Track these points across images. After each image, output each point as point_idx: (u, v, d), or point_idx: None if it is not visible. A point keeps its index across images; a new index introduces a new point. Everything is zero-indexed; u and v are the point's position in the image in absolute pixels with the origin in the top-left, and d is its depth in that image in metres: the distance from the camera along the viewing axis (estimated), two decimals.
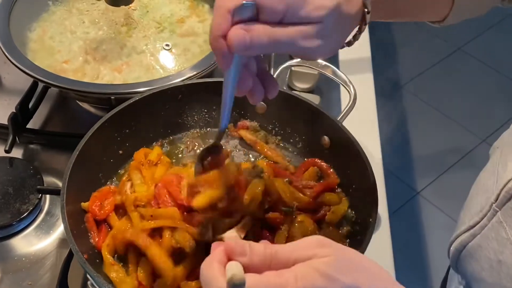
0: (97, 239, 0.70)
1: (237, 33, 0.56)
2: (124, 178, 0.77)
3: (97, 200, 0.73)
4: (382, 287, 0.52)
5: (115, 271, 0.66)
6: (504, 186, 0.72)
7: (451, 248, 0.85)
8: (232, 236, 0.64)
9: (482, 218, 0.77)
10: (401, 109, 2.61)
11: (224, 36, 0.57)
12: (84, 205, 0.73)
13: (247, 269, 0.49)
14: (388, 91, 2.66)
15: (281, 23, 0.58)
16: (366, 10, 0.65)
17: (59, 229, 0.84)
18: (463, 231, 0.82)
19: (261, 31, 0.57)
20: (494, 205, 0.74)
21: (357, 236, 0.75)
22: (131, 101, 0.81)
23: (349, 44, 0.69)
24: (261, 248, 0.50)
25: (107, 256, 0.68)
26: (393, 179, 2.36)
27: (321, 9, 0.59)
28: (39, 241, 0.83)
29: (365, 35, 1.15)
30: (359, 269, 0.52)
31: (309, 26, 0.59)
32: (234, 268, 0.48)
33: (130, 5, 1.01)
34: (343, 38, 0.65)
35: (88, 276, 0.66)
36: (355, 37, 0.69)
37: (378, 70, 2.61)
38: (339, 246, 0.53)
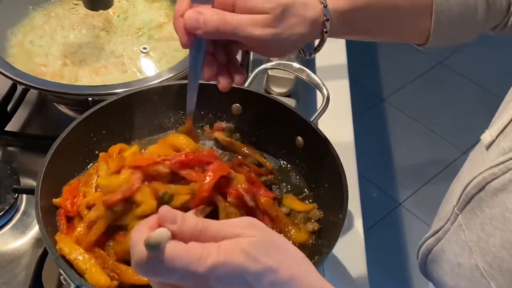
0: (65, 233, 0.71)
1: (191, 14, 0.64)
2: (90, 170, 0.78)
3: (69, 195, 0.73)
4: (301, 273, 0.53)
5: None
6: (464, 189, 0.73)
7: (419, 253, 0.86)
8: None
9: (446, 222, 0.79)
10: (384, 122, 2.64)
11: (182, 16, 0.64)
12: (56, 201, 0.74)
13: (175, 237, 0.50)
14: (370, 104, 2.70)
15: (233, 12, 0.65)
16: (325, 18, 0.69)
17: (35, 229, 0.85)
18: (429, 236, 0.84)
19: (213, 14, 0.64)
20: (455, 208, 0.76)
21: (326, 236, 0.76)
22: (106, 102, 0.83)
23: (310, 54, 0.74)
24: (193, 220, 0.51)
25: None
26: (375, 190, 2.39)
27: (267, 2, 0.65)
28: (15, 240, 0.83)
29: (341, 43, 1.18)
30: (281, 253, 0.52)
31: (257, 15, 0.65)
32: (158, 233, 0.48)
33: (110, 11, 1.03)
34: (295, 37, 0.68)
35: (61, 271, 0.67)
36: (317, 48, 0.73)
37: (360, 84, 2.66)
38: (268, 230, 0.54)
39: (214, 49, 0.69)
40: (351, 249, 0.88)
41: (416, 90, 2.77)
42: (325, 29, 0.70)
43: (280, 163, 0.86)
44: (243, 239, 0.50)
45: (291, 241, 0.72)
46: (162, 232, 0.48)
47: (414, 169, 2.45)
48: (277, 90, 1.02)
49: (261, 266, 0.49)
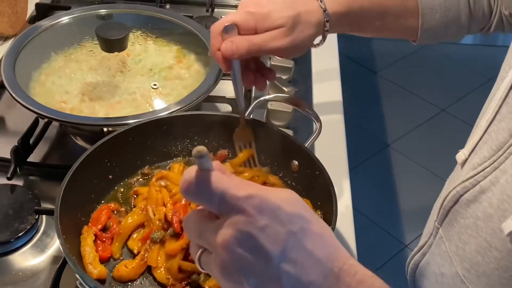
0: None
1: (226, 45, 0.81)
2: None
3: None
4: (331, 236, 0.55)
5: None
6: (442, 203, 0.80)
7: (408, 269, 0.92)
8: None
9: (429, 237, 0.86)
10: (389, 166, 2.71)
11: (219, 50, 0.81)
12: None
13: None
14: (376, 150, 2.78)
15: (256, 34, 0.82)
16: (326, 19, 0.87)
17: (53, 247, 0.92)
18: (416, 252, 0.90)
19: (242, 39, 0.81)
20: (436, 222, 0.83)
21: None
22: (117, 131, 0.91)
23: (317, 45, 0.93)
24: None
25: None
26: (381, 233, 2.44)
27: (280, 19, 0.83)
28: (35, 257, 0.91)
29: (337, 83, 1.28)
30: (316, 217, 0.56)
31: (275, 30, 0.83)
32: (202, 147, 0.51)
33: (125, 53, 1.13)
34: (306, 38, 0.86)
35: (76, 275, 0.74)
36: (321, 42, 0.92)
37: (365, 130, 2.74)
38: None
39: (246, 62, 0.87)
40: None
41: (420, 136, 2.85)
42: (326, 28, 0.88)
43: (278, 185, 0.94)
44: (283, 192, 0.55)
45: None
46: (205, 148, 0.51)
47: (419, 212, 2.49)
48: (276, 122, 1.11)
49: (295, 211, 0.53)
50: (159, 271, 0.77)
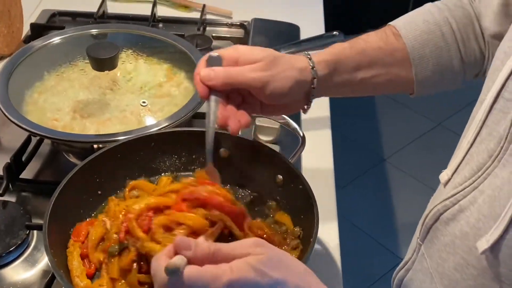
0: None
1: (205, 71, 0.82)
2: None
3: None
4: (306, 284, 0.62)
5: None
6: (424, 221, 0.83)
7: (393, 285, 0.94)
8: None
9: (413, 254, 0.88)
10: (385, 180, 2.73)
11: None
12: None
13: (191, 263, 0.60)
14: (372, 164, 2.80)
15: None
16: (311, 66, 0.85)
17: (44, 262, 0.94)
18: (401, 268, 0.92)
19: (221, 69, 0.82)
20: (418, 239, 0.85)
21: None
22: (106, 148, 0.94)
23: (306, 109, 0.90)
24: (205, 245, 0.61)
25: None
26: (378, 247, 2.45)
27: (261, 54, 0.83)
28: (26, 271, 0.93)
29: (326, 99, 1.30)
30: (287, 267, 0.62)
31: (254, 64, 0.82)
32: (176, 260, 0.58)
33: (117, 72, 1.16)
34: (287, 79, 0.83)
35: None
36: (308, 105, 0.89)
37: (363, 145, 2.76)
38: (272, 247, 0.64)
39: (226, 102, 0.83)
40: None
41: (416, 150, 2.87)
42: (313, 76, 0.85)
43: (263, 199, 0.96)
44: (252, 257, 0.59)
45: None
46: (179, 259, 0.57)
47: (416, 225, 2.51)
48: (264, 138, 1.13)
49: (271, 280, 0.58)
50: (120, 283, 0.79)
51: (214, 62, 0.83)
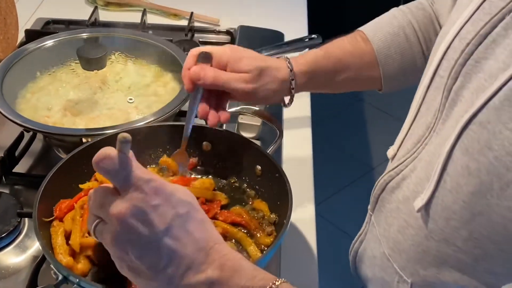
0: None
1: (196, 68, 0.89)
2: None
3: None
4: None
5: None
6: (373, 192, 0.91)
7: (350, 258, 1.02)
8: None
9: (366, 226, 0.97)
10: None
11: (189, 69, 0.89)
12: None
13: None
14: (361, 173, 2.85)
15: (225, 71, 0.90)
16: (291, 78, 0.94)
17: (34, 248, 0.99)
18: (355, 240, 1.00)
19: (211, 70, 0.89)
20: (369, 210, 0.93)
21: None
22: (94, 140, 0.99)
23: (287, 105, 0.98)
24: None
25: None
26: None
27: (249, 65, 0.90)
28: (17, 257, 0.98)
29: (307, 99, 1.36)
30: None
31: (242, 74, 0.89)
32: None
33: (106, 73, 1.22)
34: (269, 91, 0.93)
35: (51, 266, 0.81)
36: (289, 103, 0.98)
37: (348, 153, 2.81)
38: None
39: (208, 96, 0.92)
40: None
41: None
42: (292, 86, 0.94)
43: (243, 188, 1.01)
44: (181, 186, 0.65)
45: (260, 244, 0.90)
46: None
47: None
48: (246, 134, 1.19)
49: (186, 199, 0.63)
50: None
51: (204, 59, 0.90)
